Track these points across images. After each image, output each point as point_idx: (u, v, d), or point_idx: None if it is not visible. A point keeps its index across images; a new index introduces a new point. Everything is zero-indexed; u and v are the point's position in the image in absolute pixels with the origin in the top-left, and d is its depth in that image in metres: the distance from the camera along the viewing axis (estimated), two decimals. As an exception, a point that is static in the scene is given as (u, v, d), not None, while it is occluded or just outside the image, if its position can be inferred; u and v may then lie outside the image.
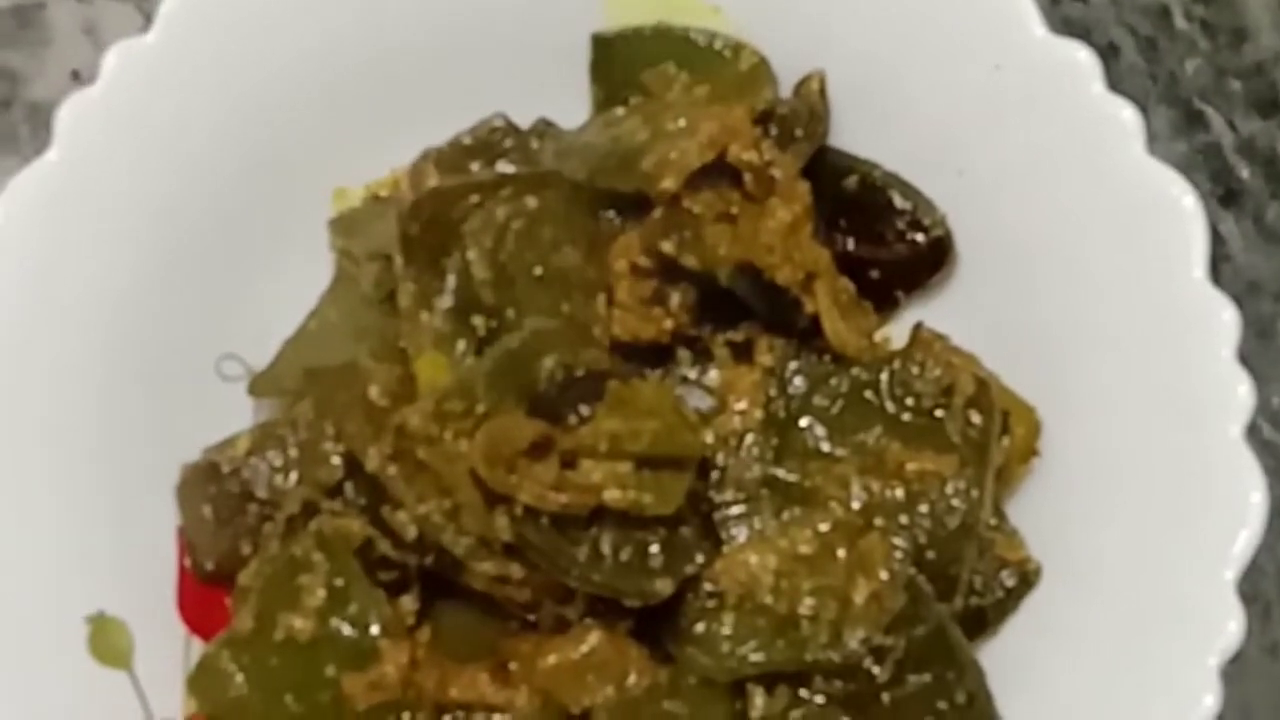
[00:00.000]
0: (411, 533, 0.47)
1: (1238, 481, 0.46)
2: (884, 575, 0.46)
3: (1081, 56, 0.49)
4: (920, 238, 0.52)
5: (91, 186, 0.51)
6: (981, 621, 0.49)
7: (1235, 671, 0.56)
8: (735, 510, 0.48)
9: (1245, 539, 0.46)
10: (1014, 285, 0.52)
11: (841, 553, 0.47)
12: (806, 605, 0.46)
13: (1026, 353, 0.51)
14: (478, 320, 0.49)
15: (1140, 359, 0.49)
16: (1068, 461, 0.50)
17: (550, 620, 0.48)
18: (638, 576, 0.46)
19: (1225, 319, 0.47)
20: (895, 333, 0.53)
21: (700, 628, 0.47)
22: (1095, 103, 0.49)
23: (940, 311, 0.53)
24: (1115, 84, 0.50)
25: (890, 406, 0.50)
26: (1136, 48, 0.63)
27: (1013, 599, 0.50)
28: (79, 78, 0.62)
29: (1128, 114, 0.49)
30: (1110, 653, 0.47)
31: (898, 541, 0.47)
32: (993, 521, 0.50)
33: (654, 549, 0.46)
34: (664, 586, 0.46)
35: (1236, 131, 0.62)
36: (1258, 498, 0.46)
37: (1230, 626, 0.46)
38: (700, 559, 0.47)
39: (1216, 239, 0.61)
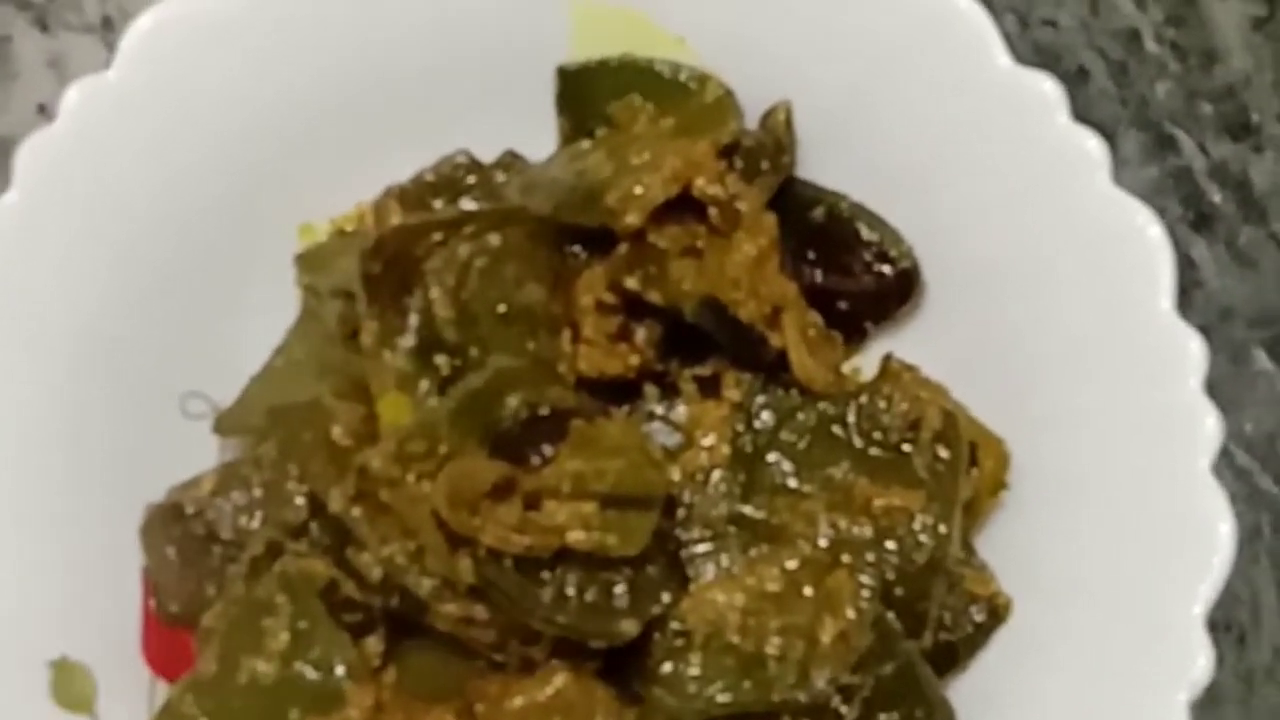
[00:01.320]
0: (376, 574, 0.46)
1: (1206, 515, 0.46)
2: (851, 614, 0.46)
3: (1047, 87, 0.49)
4: (888, 269, 0.52)
5: (52, 224, 0.50)
6: (952, 657, 0.49)
7: (1210, 699, 0.56)
8: (702, 548, 0.48)
9: (1214, 572, 0.46)
10: (983, 316, 0.51)
11: (809, 591, 0.46)
12: (774, 644, 0.46)
13: (995, 383, 0.51)
14: (441, 359, 0.48)
15: (1108, 391, 0.48)
16: (1037, 494, 0.50)
17: (516, 661, 0.47)
18: (603, 617, 0.46)
19: (1193, 350, 0.47)
20: (864, 363, 0.53)
21: (668, 668, 0.47)
22: (1061, 133, 0.49)
23: (909, 341, 0.52)
24: (1085, 109, 0.50)
25: (858, 441, 0.49)
26: (1107, 71, 0.63)
27: (982, 634, 0.49)
28: (45, 111, 0.61)
29: (1093, 144, 0.49)
30: (1080, 687, 0.47)
31: (865, 579, 0.47)
32: (961, 555, 0.49)
33: (619, 589, 0.46)
34: (630, 627, 0.46)
35: (1208, 155, 0.62)
36: (1225, 530, 0.46)
37: (1199, 661, 0.46)
38: (666, 598, 0.47)
39: (1188, 264, 0.61)
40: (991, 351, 0.51)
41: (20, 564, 0.49)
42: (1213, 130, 0.62)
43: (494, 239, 0.49)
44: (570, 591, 0.45)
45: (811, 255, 0.52)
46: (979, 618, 0.49)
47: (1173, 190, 0.61)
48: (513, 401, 0.47)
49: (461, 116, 0.54)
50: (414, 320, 0.48)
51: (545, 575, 0.45)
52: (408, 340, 0.48)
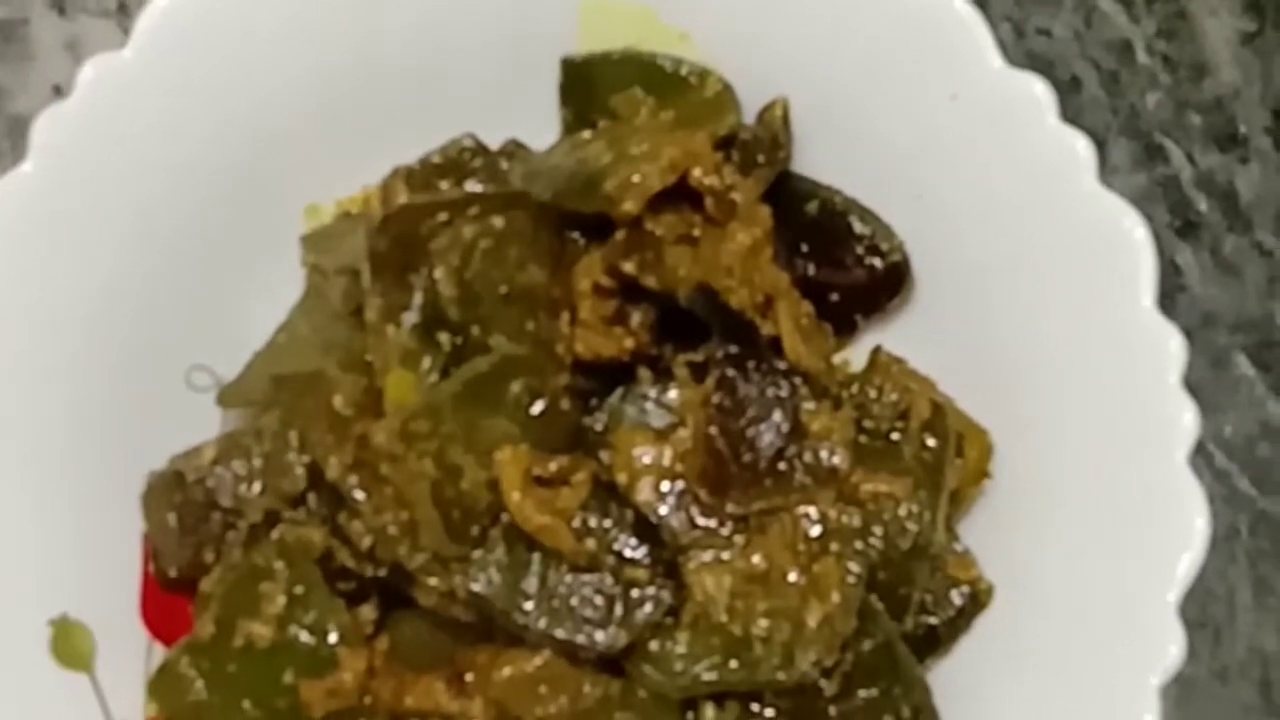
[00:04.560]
0: (366, 542, 0.47)
1: (1182, 506, 0.47)
2: (836, 599, 0.47)
3: (1037, 89, 0.50)
4: (879, 263, 0.53)
5: (66, 198, 0.51)
6: (933, 640, 0.50)
7: (1186, 695, 0.57)
8: (694, 534, 0.49)
9: (1188, 562, 0.47)
10: (969, 310, 0.52)
11: (796, 575, 0.47)
12: (760, 626, 0.47)
13: (980, 375, 0.52)
14: (443, 337, 0.49)
15: (1089, 384, 0.50)
16: (1018, 483, 0.51)
17: (505, 632, 0.48)
18: (591, 628, 0.47)
19: (1172, 347, 0.48)
20: (854, 355, 0.54)
21: (655, 645, 0.47)
22: (1049, 134, 0.50)
23: (898, 334, 0.54)
24: (1077, 116, 0.51)
25: (848, 429, 0.50)
26: (1099, 81, 0.64)
27: (964, 618, 0.50)
28: (60, 92, 0.62)
29: (1081, 145, 0.50)
30: (1056, 671, 0.48)
31: (852, 566, 0.47)
32: (944, 541, 0.50)
33: (609, 597, 0.47)
34: (618, 639, 0.47)
35: (1195, 165, 0.63)
36: (1201, 522, 0.47)
37: (1171, 648, 0.46)
38: (660, 606, 0.47)
39: (1174, 270, 0.62)
40: (976, 344, 0.52)
41: (25, 526, 0.50)
42: (1201, 141, 0.63)
43: (498, 221, 0.50)
44: (556, 603, 0.46)
45: (805, 247, 0.54)
46: (960, 602, 0.50)
47: (1160, 198, 0.63)
48: (515, 387, 0.48)
49: (467, 105, 0.55)
50: (418, 298, 0.49)
51: (532, 582, 0.46)
52: (412, 317, 0.49)
